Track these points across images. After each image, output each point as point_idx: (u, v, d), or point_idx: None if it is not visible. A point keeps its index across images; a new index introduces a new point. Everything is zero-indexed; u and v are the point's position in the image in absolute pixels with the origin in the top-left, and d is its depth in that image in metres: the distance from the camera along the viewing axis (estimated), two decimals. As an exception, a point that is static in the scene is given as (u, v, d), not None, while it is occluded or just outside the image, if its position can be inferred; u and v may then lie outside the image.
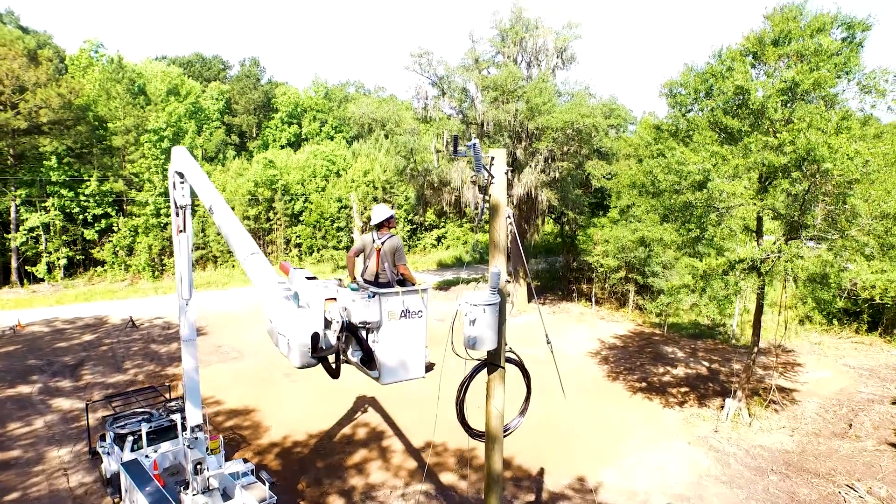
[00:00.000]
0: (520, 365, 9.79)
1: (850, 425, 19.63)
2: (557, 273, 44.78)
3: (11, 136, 38.01)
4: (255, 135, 69.95)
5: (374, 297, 6.14)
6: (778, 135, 16.18)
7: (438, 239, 57.77)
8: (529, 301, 37.43)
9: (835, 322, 31.87)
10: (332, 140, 70.18)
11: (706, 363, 26.10)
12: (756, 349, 20.52)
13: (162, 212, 43.13)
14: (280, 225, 49.64)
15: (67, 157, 40.34)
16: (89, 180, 41.01)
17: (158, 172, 43.00)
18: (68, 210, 41.07)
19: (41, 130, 38.39)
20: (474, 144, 8.08)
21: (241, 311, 34.81)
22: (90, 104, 41.58)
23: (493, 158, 8.51)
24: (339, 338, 5.96)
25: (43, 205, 40.31)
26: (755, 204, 16.23)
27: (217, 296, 38.91)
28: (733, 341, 29.78)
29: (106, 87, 42.09)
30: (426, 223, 56.95)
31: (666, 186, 18.34)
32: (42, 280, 40.60)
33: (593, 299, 38.25)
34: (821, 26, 17.38)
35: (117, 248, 42.75)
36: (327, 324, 6.05)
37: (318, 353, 5.89)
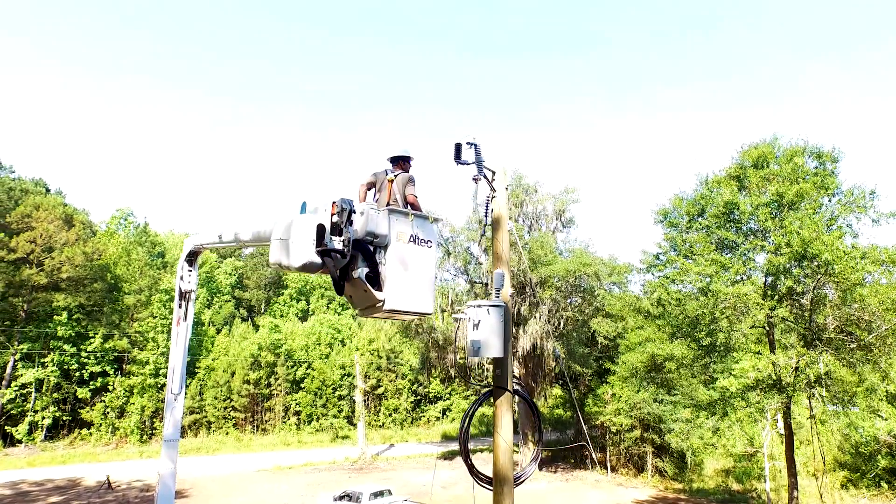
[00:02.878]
0: (528, 401, 8.99)
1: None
2: (569, 441, 41.99)
3: (30, 291, 39.09)
4: (263, 310, 71.38)
5: (383, 211, 6.07)
6: (773, 240, 16.69)
7: (443, 411, 55.29)
8: (540, 469, 34.54)
9: (883, 485, 28.82)
10: (338, 316, 71.26)
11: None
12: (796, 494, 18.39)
13: (161, 371, 42.22)
14: (280, 391, 48.09)
15: (78, 314, 40.88)
16: (94, 337, 41.00)
17: (163, 331, 43.12)
18: (66, 367, 40.35)
19: (59, 287, 39.57)
20: (476, 145, 8.51)
21: (229, 475, 32.18)
22: (110, 265, 43.44)
23: (494, 173, 8.88)
24: (344, 244, 5.73)
25: (42, 360, 39.75)
26: (761, 305, 16.06)
27: (206, 460, 36.31)
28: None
29: (128, 249, 44.40)
30: (430, 394, 55.03)
31: (671, 308, 18.35)
32: (20, 442, 38.24)
33: (608, 465, 35.22)
34: (795, 153, 18.96)
35: (108, 409, 40.97)
36: (334, 228, 5.86)
37: (323, 248, 5.68)
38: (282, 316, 70.20)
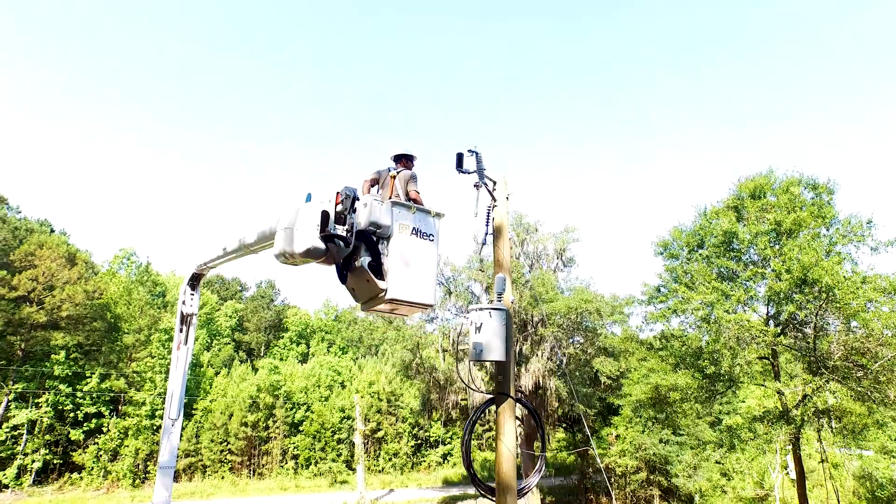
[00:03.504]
0: (531, 410, 8.89)
1: None
2: (574, 488, 40.72)
3: (28, 330, 38.84)
4: (263, 353, 70.75)
5: (386, 203, 6.22)
6: (773, 267, 16.75)
7: (444, 456, 53.87)
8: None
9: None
10: (338, 358, 70.60)
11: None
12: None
13: (157, 413, 41.49)
14: (278, 434, 47.05)
15: (76, 353, 40.50)
16: (91, 377, 40.46)
17: (162, 372, 42.61)
18: (61, 407, 39.64)
19: (58, 325, 39.35)
20: (477, 153, 8.70)
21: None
22: (111, 304, 43.34)
23: (495, 183, 9.06)
24: (347, 231, 5.85)
25: (36, 401, 39.10)
26: (764, 332, 15.97)
27: (198, 505, 35.27)
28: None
29: (129, 289, 44.36)
30: (431, 438, 53.79)
31: (674, 341, 18.26)
32: (6, 487, 37.15)
33: (616, 510, 34.10)
34: (791, 184, 19.26)
35: (101, 452, 40.01)
36: (338, 217, 6.01)
37: (326, 232, 5.82)
38: (282, 359, 69.51)
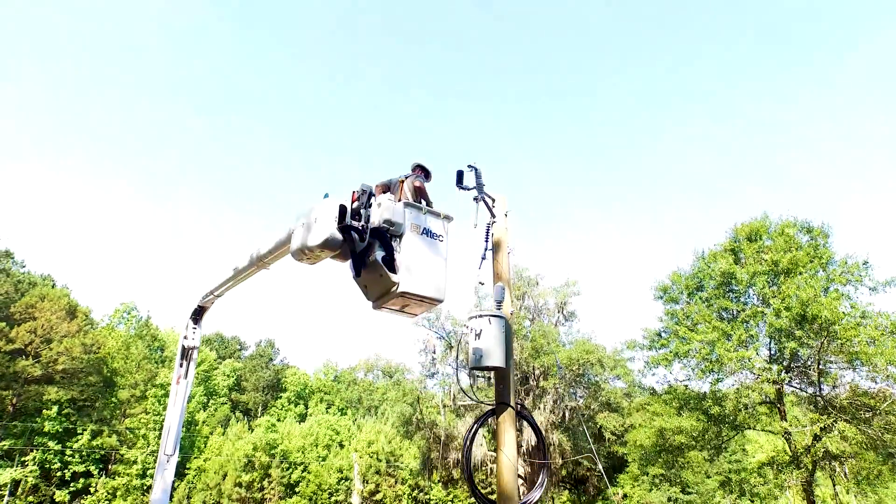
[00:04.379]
0: (531, 423, 8.78)
1: None
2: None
3: (22, 384, 38.23)
4: (260, 413, 69.22)
5: (399, 203, 6.61)
6: (772, 305, 16.81)
7: (445, 523, 51.55)
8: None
9: None
10: (337, 417, 69.04)
11: None
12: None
13: (148, 472, 40.16)
14: (274, 495, 45.32)
15: (68, 409, 39.67)
16: (82, 434, 39.44)
17: (155, 429, 41.62)
18: (48, 466, 38.40)
19: (52, 379, 38.77)
20: (476, 169, 9.01)
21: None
22: (108, 358, 42.87)
23: (494, 200, 9.34)
24: (363, 227, 6.25)
25: (22, 459, 37.92)
26: (768, 370, 15.81)
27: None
28: None
29: (128, 343, 44.01)
30: (432, 501, 51.68)
31: (677, 385, 18.10)
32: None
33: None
34: (786, 226, 19.61)
35: (87, 514, 38.48)
36: (354, 213, 6.46)
37: (343, 223, 6.25)
38: (279, 420, 67.92)
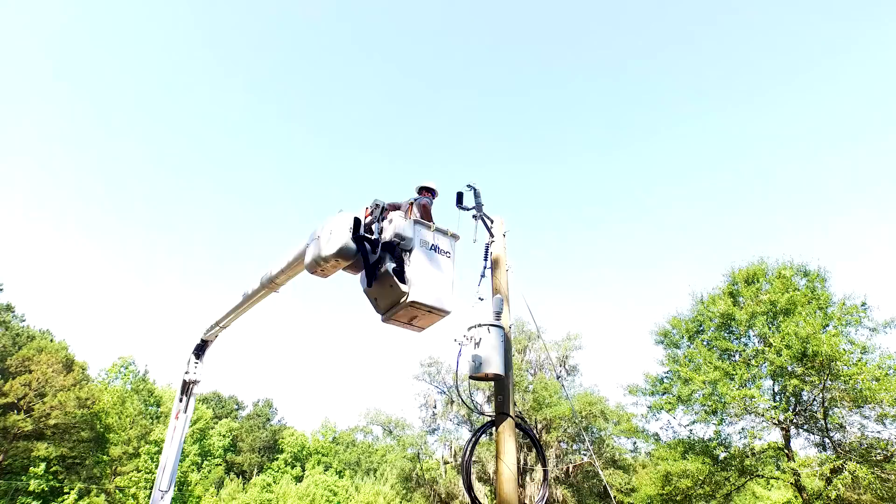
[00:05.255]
0: (531, 435, 8.75)
1: None
2: None
3: (11, 440, 37.27)
4: (255, 475, 66.97)
5: (409, 220, 7.08)
6: (773, 344, 16.81)
7: (445, 593, 48.78)
8: None
9: None
10: (335, 478, 66.74)
11: None
12: None
13: (136, 534, 38.52)
14: (263, 561, 43.24)
15: (56, 466, 38.46)
16: (69, 493, 38.03)
17: (146, 487, 40.20)
18: (31, 528, 36.84)
19: (43, 435, 37.82)
20: (475, 189, 9.38)
21: None
22: (102, 414, 41.99)
23: (492, 221, 9.67)
24: (375, 240, 6.77)
25: (5, 521, 36.44)
26: (775, 408, 15.61)
27: None
28: None
29: (123, 397, 43.21)
30: (431, 571, 49.10)
31: (680, 429, 17.85)
32: None
33: None
34: (783, 269, 19.86)
35: (68, 582, 36.51)
36: (367, 228, 6.94)
37: (357, 234, 6.71)
38: (274, 481, 65.63)
